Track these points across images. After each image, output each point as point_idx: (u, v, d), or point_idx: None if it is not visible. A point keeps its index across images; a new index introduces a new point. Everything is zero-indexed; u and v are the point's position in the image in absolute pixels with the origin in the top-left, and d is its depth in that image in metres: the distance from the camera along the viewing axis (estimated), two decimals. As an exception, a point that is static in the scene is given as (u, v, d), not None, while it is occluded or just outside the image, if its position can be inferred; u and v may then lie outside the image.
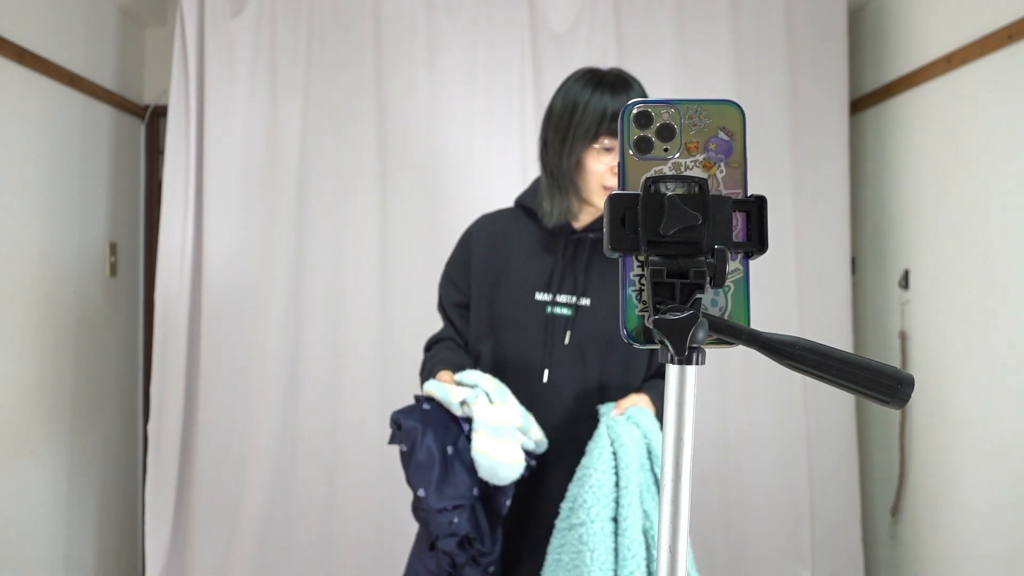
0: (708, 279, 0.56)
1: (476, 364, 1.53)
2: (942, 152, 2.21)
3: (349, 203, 2.57)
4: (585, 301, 1.48)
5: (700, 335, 0.54)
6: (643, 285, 0.58)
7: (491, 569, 1.37)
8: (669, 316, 0.54)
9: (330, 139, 2.58)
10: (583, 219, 1.53)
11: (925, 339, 2.30)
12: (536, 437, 1.39)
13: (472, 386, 1.38)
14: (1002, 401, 1.95)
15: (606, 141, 1.42)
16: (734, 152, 0.59)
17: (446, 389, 1.37)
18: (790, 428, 2.56)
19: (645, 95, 1.42)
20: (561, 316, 1.48)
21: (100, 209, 2.65)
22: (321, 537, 2.54)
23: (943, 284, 2.21)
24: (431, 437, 1.32)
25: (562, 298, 1.49)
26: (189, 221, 2.55)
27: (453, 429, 1.35)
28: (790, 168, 2.56)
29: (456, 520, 1.31)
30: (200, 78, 2.57)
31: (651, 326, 0.56)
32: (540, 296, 1.50)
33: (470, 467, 1.33)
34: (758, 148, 2.48)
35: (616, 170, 1.32)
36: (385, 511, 2.49)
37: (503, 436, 1.32)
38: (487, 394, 1.36)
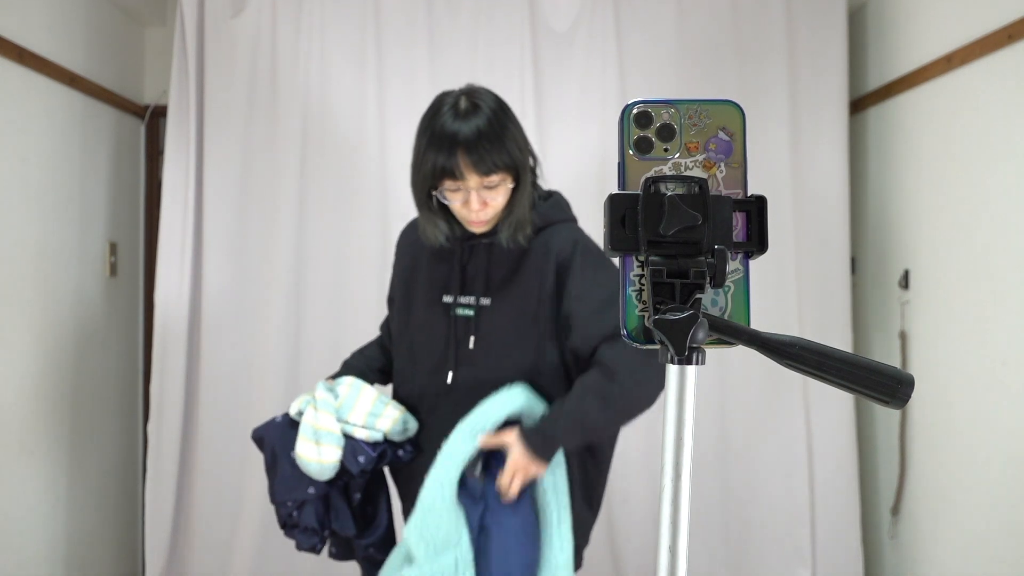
0: (708, 279, 0.56)
1: (391, 364, 1.68)
2: (942, 152, 2.21)
3: (350, 202, 2.57)
4: (486, 301, 1.51)
5: (700, 335, 0.54)
6: (643, 285, 0.58)
7: (370, 550, 1.57)
8: (669, 316, 0.54)
9: (330, 138, 2.58)
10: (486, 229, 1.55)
11: (925, 339, 2.30)
12: (384, 427, 1.52)
13: (317, 393, 1.56)
14: (1002, 400, 1.95)
15: (447, 183, 1.43)
16: (734, 152, 0.59)
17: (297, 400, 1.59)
18: (790, 428, 2.56)
19: (495, 111, 1.44)
20: (463, 317, 1.52)
21: (100, 209, 2.65)
22: (321, 537, 2.54)
23: (943, 284, 2.21)
24: (274, 444, 1.55)
25: (464, 299, 1.53)
26: (189, 221, 2.55)
27: (291, 435, 1.53)
28: (790, 168, 2.56)
29: (296, 513, 1.53)
30: (200, 78, 2.57)
31: (651, 326, 0.56)
32: (446, 298, 1.54)
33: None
34: (758, 148, 2.47)
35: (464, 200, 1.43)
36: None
37: (319, 439, 1.49)
38: (315, 402, 1.53)
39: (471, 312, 1.52)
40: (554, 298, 1.48)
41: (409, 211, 2.57)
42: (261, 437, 1.58)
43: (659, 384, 1.38)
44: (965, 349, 2.10)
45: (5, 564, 2.15)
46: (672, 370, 0.55)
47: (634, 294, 0.58)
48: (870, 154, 2.64)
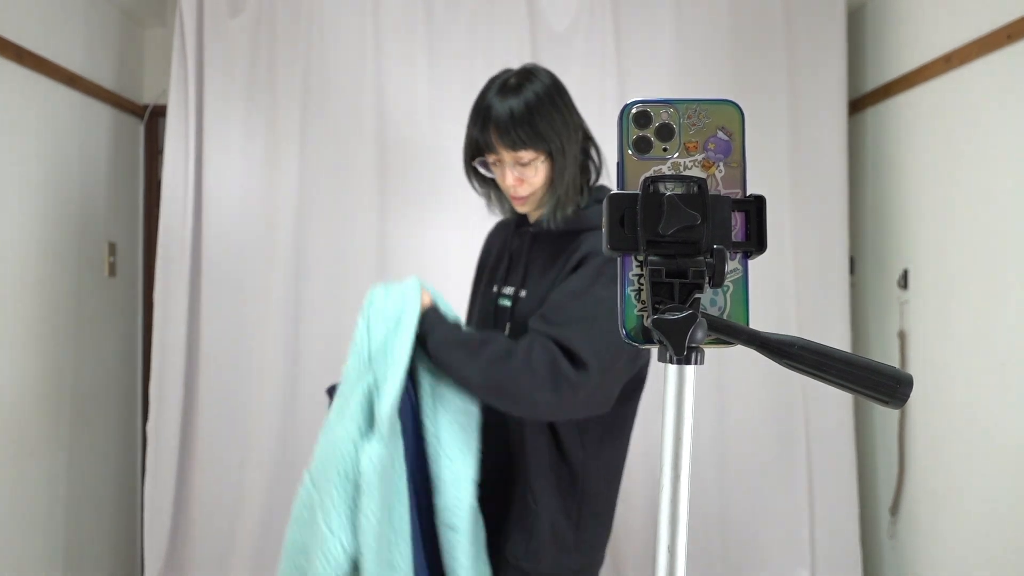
0: (707, 279, 0.56)
1: None
2: (941, 152, 2.21)
3: (348, 203, 2.57)
4: (523, 293, 1.53)
5: (699, 335, 0.54)
6: (642, 285, 0.58)
7: None
8: (668, 316, 0.54)
9: (329, 138, 2.58)
10: (536, 214, 1.57)
11: (924, 339, 2.31)
12: None
13: None
14: (1001, 400, 1.95)
15: (487, 156, 1.48)
16: (733, 152, 0.59)
17: None
18: (789, 428, 2.56)
19: (540, 92, 1.47)
20: (504, 307, 1.54)
21: (99, 209, 2.65)
22: (320, 537, 2.54)
23: (942, 284, 2.21)
24: None
25: (507, 290, 1.55)
26: (188, 221, 2.55)
27: None
28: (789, 168, 2.56)
29: None
30: (199, 78, 2.57)
31: (650, 326, 0.56)
32: (495, 288, 1.58)
33: None
34: (757, 148, 2.48)
35: (509, 178, 1.46)
36: (384, 511, 2.49)
37: None
38: None
39: (509, 303, 1.54)
40: None
41: (409, 210, 2.59)
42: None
43: (543, 404, 1.34)
44: (964, 349, 2.10)
45: (4, 564, 2.15)
46: (671, 370, 0.56)
47: (633, 294, 0.58)
48: (869, 154, 2.64)
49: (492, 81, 1.51)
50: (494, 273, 1.61)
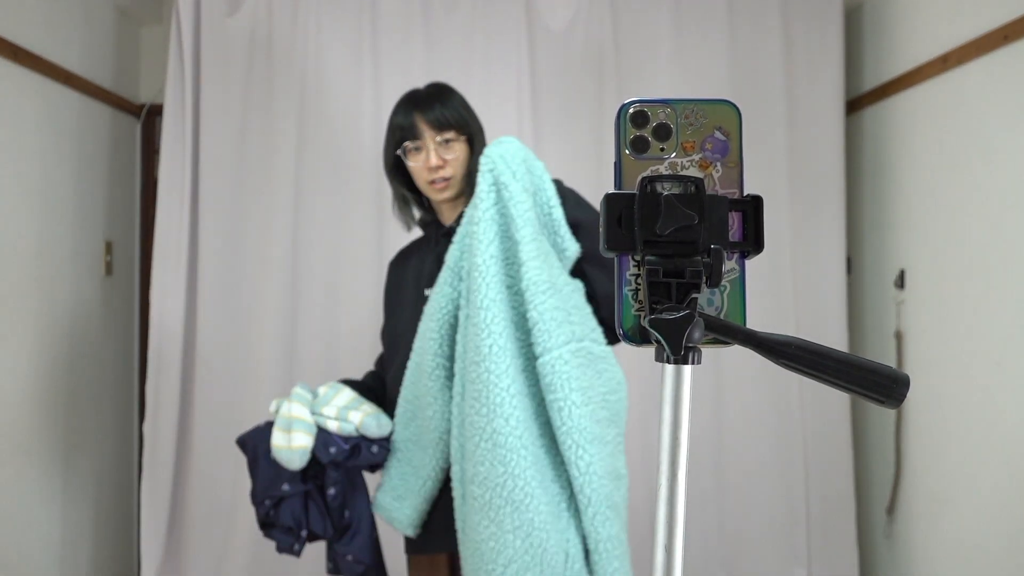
0: (704, 279, 0.56)
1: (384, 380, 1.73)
2: (938, 152, 2.22)
3: (345, 201, 2.57)
4: None
5: (696, 335, 0.54)
6: (639, 285, 0.58)
7: (348, 559, 1.58)
8: (665, 316, 0.54)
9: (326, 137, 2.57)
10: (448, 216, 1.69)
11: (921, 339, 2.31)
12: (356, 421, 1.55)
13: (294, 390, 1.63)
14: (998, 400, 1.96)
15: (408, 144, 1.62)
16: (730, 152, 0.59)
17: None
18: (786, 428, 2.56)
19: (455, 96, 1.65)
20: None
21: (96, 208, 2.64)
22: (317, 537, 2.53)
23: (939, 284, 2.22)
24: (256, 445, 1.59)
25: None
26: (185, 220, 2.55)
27: (270, 435, 1.57)
28: (786, 168, 2.57)
29: (273, 512, 1.55)
30: (196, 76, 2.56)
31: (647, 325, 0.56)
32: (427, 291, 1.62)
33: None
34: (754, 148, 2.48)
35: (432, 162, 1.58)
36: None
37: (291, 428, 1.53)
38: (291, 396, 1.60)
39: None
40: None
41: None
42: (244, 441, 1.62)
43: None
44: (961, 349, 2.11)
45: (1, 563, 2.15)
46: (668, 370, 0.55)
47: (630, 294, 0.58)
48: (866, 154, 2.65)
49: (407, 93, 1.68)
50: (421, 279, 1.66)
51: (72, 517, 2.50)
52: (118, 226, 2.80)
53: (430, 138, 1.60)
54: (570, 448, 1.36)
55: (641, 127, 0.59)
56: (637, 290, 0.58)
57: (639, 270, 0.58)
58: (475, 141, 1.65)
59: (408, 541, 1.65)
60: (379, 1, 2.57)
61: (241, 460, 2.51)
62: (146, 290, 2.80)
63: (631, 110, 0.60)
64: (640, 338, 0.58)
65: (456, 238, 1.50)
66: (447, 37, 2.58)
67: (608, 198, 0.57)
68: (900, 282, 2.40)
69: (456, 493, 1.46)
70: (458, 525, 1.46)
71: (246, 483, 2.54)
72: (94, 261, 2.63)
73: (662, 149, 0.59)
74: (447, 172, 1.61)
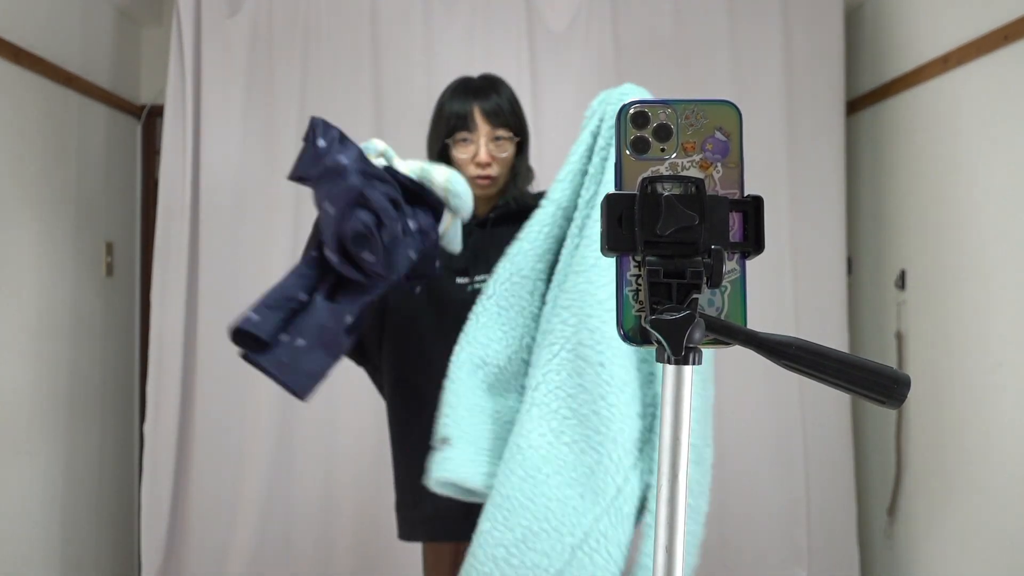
0: (705, 279, 0.56)
1: None
2: (938, 152, 2.22)
3: (346, 203, 2.57)
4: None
5: (697, 335, 0.54)
6: (640, 285, 0.58)
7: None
8: (666, 316, 0.54)
9: (327, 139, 2.57)
10: (482, 208, 1.64)
11: (921, 339, 2.31)
12: (442, 177, 1.41)
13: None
14: (997, 401, 1.96)
15: (459, 135, 1.57)
16: (731, 152, 0.59)
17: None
18: (786, 428, 2.56)
19: (509, 91, 1.62)
20: (476, 292, 1.56)
21: (96, 209, 2.64)
22: (318, 536, 2.54)
23: (939, 284, 2.22)
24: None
25: (477, 279, 1.60)
26: (185, 220, 2.55)
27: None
28: (786, 168, 2.57)
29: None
30: (197, 77, 2.56)
31: (648, 326, 0.56)
32: (460, 280, 1.61)
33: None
34: (754, 148, 2.47)
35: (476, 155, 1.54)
36: (382, 509, 2.48)
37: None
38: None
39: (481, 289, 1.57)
40: None
41: (406, 211, 2.58)
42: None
43: None
44: (961, 349, 2.11)
45: (2, 564, 2.15)
46: (669, 370, 0.56)
47: (631, 294, 0.59)
48: (866, 154, 2.65)
49: (460, 78, 1.65)
50: (455, 268, 1.62)
51: (73, 517, 2.50)
52: (118, 227, 2.80)
53: (483, 132, 1.56)
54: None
55: (642, 128, 0.59)
56: (638, 290, 0.58)
57: (640, 271, 0.58)
58: (524, 144, 1.62)
59: (425, 528, 1.63)
60: (379, 2, 2.57)
61: (241, 460, 2.53)
62: (146, 290, 2.81)
63: (631, 111, 0.60)
64: (641, 338, 0.58)
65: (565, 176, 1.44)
66: (447, 39, 2.58)
67: (609, 199, 0.57)
68: (900, 282, 2.40)
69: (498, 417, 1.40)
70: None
71: (246, 483, 2.56)
72: (94, 262, 2.63)
73: (663, 150, 0.59)
74: (493, 171, 1.57)
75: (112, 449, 2.75)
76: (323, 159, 1.29)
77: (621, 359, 1.30)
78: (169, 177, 2.56)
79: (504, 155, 1.58)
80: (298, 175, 1.32)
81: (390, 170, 1.37)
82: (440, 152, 1.61)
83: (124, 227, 2.85)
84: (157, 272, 2.55)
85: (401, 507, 1.69)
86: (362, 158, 1.33)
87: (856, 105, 2.66)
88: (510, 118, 1.58)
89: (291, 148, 2.55)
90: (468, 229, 1.63)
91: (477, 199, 1.63)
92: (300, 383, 1.36)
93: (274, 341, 1.35)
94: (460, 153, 1.58)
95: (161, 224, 2.55)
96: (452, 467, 1.38)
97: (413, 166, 1.40)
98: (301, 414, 2.54)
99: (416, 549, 2.53)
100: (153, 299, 2.55)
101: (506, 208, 1.61)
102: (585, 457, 1.29)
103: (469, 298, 1.56)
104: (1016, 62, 1.89)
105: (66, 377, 2.45)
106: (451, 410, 1.40)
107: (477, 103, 1.56)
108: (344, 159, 1.29)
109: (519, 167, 1.61)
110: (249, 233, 2.58)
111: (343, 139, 1.34)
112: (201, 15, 2.55)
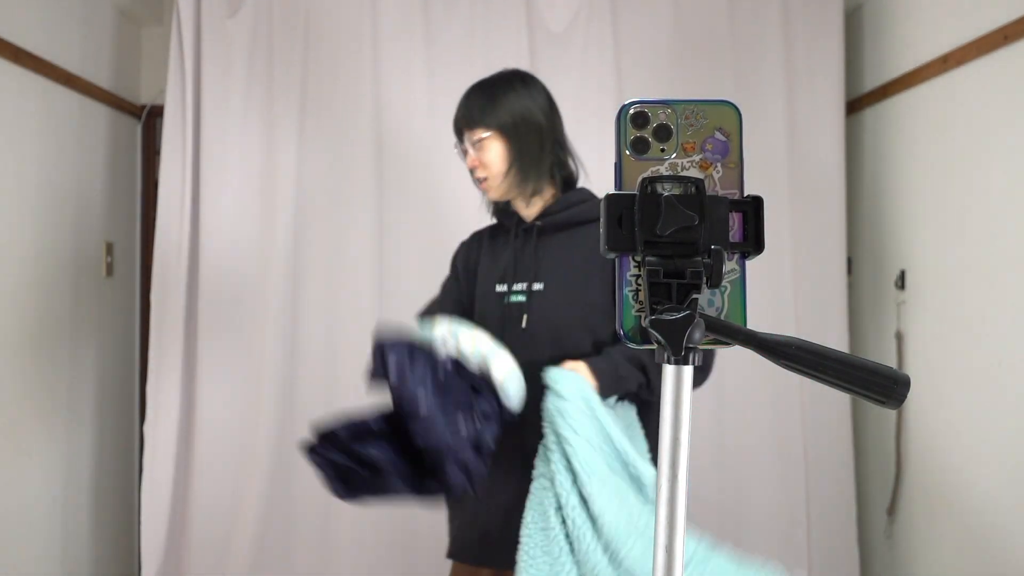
0: (704, 279, 0.56)
1: None
2: (938, 152, 2.22)
3: (346, 203, 2.57)
4: (538, 286, 1.54)
5: (697, 335, 0.54)
6: (640, 285, 0.58)
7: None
8: (666, 316, 0.55)
9: (327, 139, 2.57)
10: (530, 210, 1.61)
11: (921, 339, 2.31)
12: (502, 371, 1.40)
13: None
14: (997, 401, 1.96)
15: (458, 148, 1.58)
16: (730, 152, 0.59)
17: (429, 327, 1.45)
18: (786, 428, 2.56)
19: (507, 78, 1.58)
20: (516, 303, 1.55)
21: (96, 209, 2.64)
22: (318, 539, 2.53)
23: (939, 284, 2.22)
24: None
25: (517, 286, 1.57)
26: (185, 221, 2.55)
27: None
28: (786, 169, 2.56)
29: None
30: (197, 78, 2.56)
31: (647, 326, 0.56)
32: (499, 288, 1.58)
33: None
34: (754, 149, 2.47)
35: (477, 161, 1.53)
36: (383, 513, 2.49)
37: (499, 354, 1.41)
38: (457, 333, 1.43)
39: (523, 298, 1.55)
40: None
41: (407, 211, 2.58)
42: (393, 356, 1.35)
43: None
44: (961, 349, 2.11)
45: (1, 564, 2.15)
46: (668, 370, 0.56)
47: (631, 294, 0.59)
48: (866, 154, 2.65)
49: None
50: (494, 274, 1.61)
51: (73, 518, 2.50)
52: (118, 227, 2.80)
53: (466, 139, 1.56)
54: None
55: (641, 128, 0.59)
56: (638, 291, 0.58)
57: (639, 271, 0.58)
58: (512, 132, 1.53)
59: (455, 545, 1.61)
60: (379, 2, 2.57)
61: (242, 461, 2.53)
62: (146, 291, 2.81)
63: (631, 111, 0.60)
64: (641, 338, 0.58)
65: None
66: (447, 39, 2.58)
67: (608, 199, 0.58)
68: (900, 283, 2.40)
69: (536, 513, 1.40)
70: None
71: (246, 484, 2.56)
72: (94, 262, 2.63)
73: (662, 150, 0.59)
74: (480, 174, 1.56)
75: (112, 450, 2.75)
76: (402, 396, 1.31)
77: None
78: (169, 177, 2.56)
79: (489, 155, 1.54)
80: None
81: (458, 366, 1.37)
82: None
83: (124, 227, 2.85)
84: (157, 272, 2.55)
85: (455, 524, 1.65)
86: (434, 371, 1.34)
87: (856, 105, 2.66)
88: (481, 115, 1.53)
89: (291, 148, 2.56)
90: (514, 230, 1.61)
91: (515, 201, 1.60)
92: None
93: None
94: (466, 159, 1.59)
95: (161, 224, 2.55)
96: None
97: (478, 350, 1.40)
98: (302, 416, 2.54)
99: (416, 549, 2.53)
100: (153, 299, 2.55)
101: (552, 219, 1.57)
102: None
103: (504, 309, 1.55)
104: (1016, 62, 1.89)
105: (66, 377, 2.45)
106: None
107: (458, 112, 1.57)
108: (420, 393, 1.29)
109: (519, 167, 1.54)
110: (249, 233, 2.57)
111: (412, 357, 1.33)
112: (201, 15, 2.55)
